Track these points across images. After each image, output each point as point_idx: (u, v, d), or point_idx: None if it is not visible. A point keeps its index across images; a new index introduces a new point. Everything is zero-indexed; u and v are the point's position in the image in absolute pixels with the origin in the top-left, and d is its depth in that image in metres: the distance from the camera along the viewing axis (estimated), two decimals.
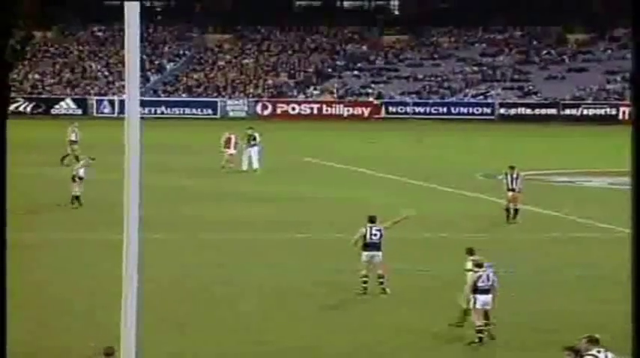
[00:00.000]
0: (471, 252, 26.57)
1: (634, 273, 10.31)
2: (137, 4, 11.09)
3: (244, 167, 57.35)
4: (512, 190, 40.40)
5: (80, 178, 42.59)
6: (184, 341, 23.13)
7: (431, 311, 26.40)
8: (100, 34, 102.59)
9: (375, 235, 29.64)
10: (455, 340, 25.44)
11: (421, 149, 70.51)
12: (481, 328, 24.83)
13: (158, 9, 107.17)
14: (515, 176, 40.73)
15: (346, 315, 28.56)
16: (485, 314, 24.89)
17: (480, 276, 24.94)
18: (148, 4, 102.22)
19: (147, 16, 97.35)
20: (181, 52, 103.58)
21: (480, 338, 24.74)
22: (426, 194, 50.21)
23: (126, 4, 11.01)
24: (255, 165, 57.21)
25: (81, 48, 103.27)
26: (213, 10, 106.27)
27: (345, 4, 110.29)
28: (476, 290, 24.91)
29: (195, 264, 32.86)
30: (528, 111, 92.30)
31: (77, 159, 52.46)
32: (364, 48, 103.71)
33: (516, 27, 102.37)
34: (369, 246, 29.62)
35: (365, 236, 29.73)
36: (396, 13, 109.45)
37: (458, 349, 25.09)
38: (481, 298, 24.87)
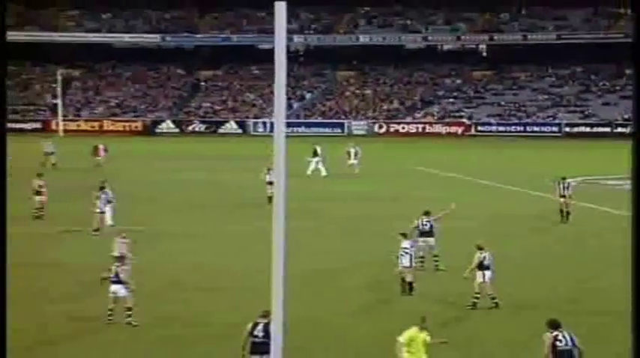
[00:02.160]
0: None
1: (634, 273, 9.48)
2: (284, 4, 11.34)
3: (309, 173, 57.19)
4: (563, 196, 39.35)
5: (271, 183, 42.83)
6: (303, 309, 23.00)
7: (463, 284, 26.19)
8: (256, 71, 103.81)
9: (425, 225, 30.28)
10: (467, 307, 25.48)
11: (503, 159, 70.18)
12: (477, 296, 25.23)
13: (301, 52, 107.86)
14: (565, 185, 39.61)
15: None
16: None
17: (484, 256, 25.36)
18: (292, 48, 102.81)
19: (292, 58, 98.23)
20: (317, 85, 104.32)
21: (474, 303, 25.15)
22: (502, 194, 50.10)
23: (276, 3, 11.22)
24: (323, 173, 57.22)
25: (242, 82, 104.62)
26: (342, 52, 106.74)
27: (444, 47, 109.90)
28: (481, 267, 25.30)
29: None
30: (588, 129, 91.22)
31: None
32: (458, 81, 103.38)
33: (578, 64, 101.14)
34: (421, 233, 30.09)
35: (418, 226, 30.26)
36: (484, 54, 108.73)
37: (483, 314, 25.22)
38: (486, 273, 25.27)
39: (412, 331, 18.19)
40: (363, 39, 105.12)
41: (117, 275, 23.78)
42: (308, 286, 27.12)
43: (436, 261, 29.82)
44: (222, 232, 37.56)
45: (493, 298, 25.29)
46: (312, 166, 57.58)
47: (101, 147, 61.45)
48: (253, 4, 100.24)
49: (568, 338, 17.63)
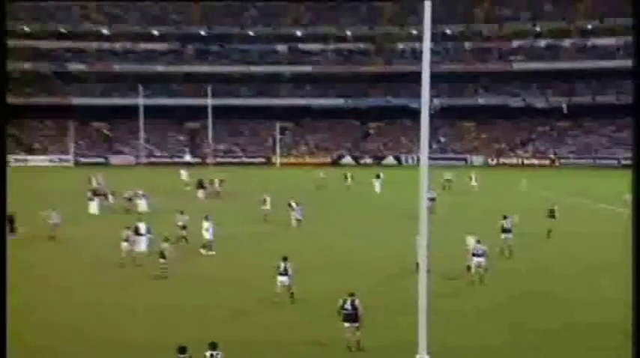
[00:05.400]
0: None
1: (634, 273, 8.48)
2: (429, 3, 11.14)
3: (376, 190, 55.75)
4: (552, 217, 36.04)
5: (433, 199, 40.69)
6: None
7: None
8: (408, 123, 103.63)
9: (507, 225, 29.49)
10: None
11: (578, 183, 68.45)
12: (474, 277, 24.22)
13: (438, 110, 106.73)
14: (553, 208, 36.52)
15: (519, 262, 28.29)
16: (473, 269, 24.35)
17: (475, 247, 24.37)
18: (432, 108, 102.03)
19: (432, 114, 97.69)
20: (449, 132, 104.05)
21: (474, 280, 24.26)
22: (575, 205, 48.98)
23: (425, 3, 11.16)
24: (378, 190, 55.44)
25: (398, 130, 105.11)
26: (465, 109, 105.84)
27: (537, 105, 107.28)
28: (474, 254, 24.38)
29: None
30: None
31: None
32: (547, 128, 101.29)
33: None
34: (503, 230, 29.44)
35: (502, 225, 29.58)
36: (565, 112, 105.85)
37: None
38: (475, 260, 24.22)
39: None
40: (481, 100, 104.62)
41: (285, 269, 22.20)
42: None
43: (510, 249, 29.36)
44: (368, 231, 37.60)
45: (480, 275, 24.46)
46: (376, 185, 56.86)
47: (349, 174, 61.61)
48: (407, 78, 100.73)
49: None
